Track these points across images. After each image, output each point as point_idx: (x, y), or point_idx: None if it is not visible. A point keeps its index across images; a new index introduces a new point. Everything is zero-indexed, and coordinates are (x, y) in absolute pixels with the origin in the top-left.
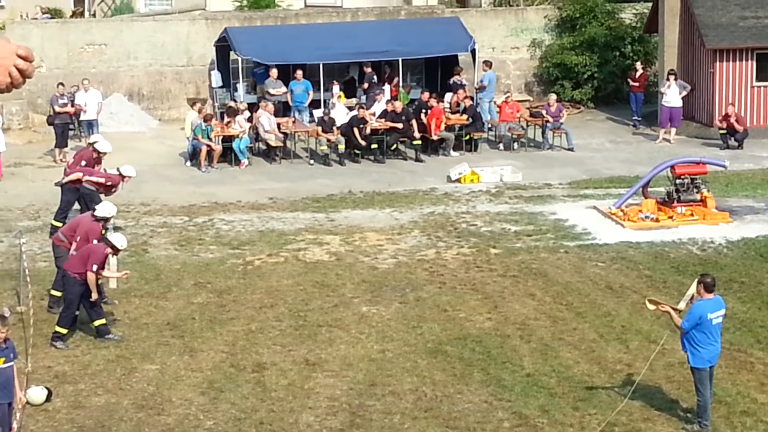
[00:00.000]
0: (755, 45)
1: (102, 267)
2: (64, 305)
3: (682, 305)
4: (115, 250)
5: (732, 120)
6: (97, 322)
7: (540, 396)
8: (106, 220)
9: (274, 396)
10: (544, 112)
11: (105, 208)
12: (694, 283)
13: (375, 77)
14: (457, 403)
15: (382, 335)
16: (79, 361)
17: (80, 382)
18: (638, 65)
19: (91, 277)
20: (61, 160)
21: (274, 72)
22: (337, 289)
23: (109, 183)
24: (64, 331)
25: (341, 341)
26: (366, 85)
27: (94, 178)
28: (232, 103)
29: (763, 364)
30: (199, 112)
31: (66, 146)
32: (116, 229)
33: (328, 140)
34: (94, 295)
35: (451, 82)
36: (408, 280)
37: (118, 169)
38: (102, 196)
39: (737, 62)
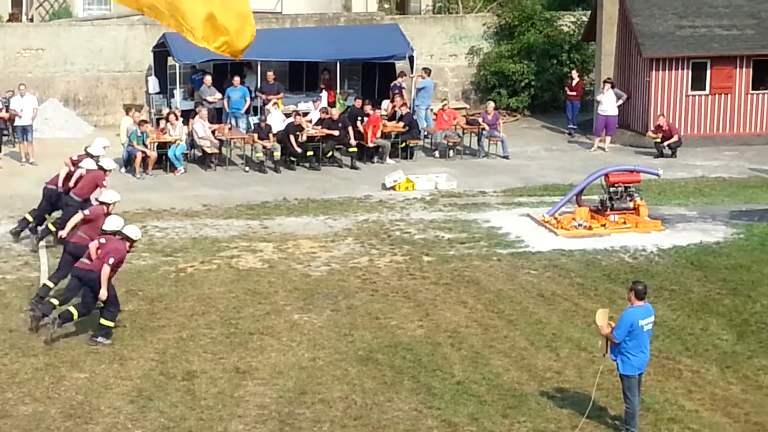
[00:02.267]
0: (691, 54)
1: (119, 264)
2: (108, 302)
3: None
4: (131, 242)
5: (665, 129)
6: (76, 313)
7: (470, 404)
8: (108, 205)
9: (203, 404)
10: (480, 119)
11: (108, 195)
12: (599, 316)
13: (280, 86)
14: (387, 411)
15: (313, 343)
16: (7, 370)
17: (7, 391)
18: (574, 73)
19: (105, 270)
20: None
21: (208, 79)
22: (269, 297)
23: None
24: (111, 324)
25: (272, 349)
26: (263, 95)
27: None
28: (175, 110)
29: (691, 371)
30: (133, 117)
31: None
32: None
33: (264, 147)
34: (104, 292)
35: (392, 84)
36: (340, 287)
37: (99, 165)
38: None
39: (673, 71)
